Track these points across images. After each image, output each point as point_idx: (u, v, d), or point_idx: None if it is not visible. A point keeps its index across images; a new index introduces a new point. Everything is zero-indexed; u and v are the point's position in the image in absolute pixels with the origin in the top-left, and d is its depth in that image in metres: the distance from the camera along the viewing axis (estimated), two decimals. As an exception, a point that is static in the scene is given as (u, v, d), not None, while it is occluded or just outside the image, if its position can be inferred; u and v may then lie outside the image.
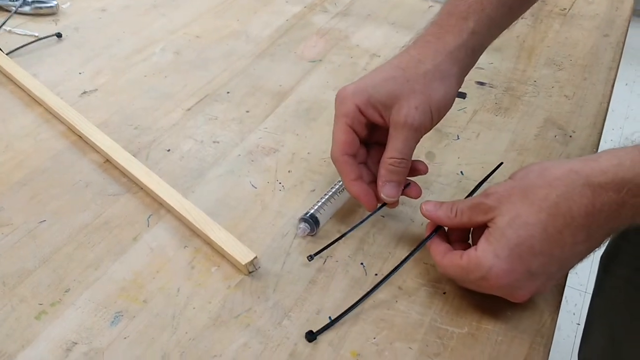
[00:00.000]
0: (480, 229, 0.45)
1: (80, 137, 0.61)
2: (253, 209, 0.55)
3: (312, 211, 0.52)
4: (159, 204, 0.55)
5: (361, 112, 0.50)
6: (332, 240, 0.50)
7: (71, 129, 0.62)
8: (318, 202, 0.53)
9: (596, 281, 0.75)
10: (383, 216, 0.55)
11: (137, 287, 0.47)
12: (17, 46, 0.74)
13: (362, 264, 0.50)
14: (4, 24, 0.77)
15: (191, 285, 0.48)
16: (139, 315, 0.45)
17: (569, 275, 0.49)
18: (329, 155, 0.61)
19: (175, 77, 0.72)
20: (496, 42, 0.80)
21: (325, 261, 0.50)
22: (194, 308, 0.46)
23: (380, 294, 0.48)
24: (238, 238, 0.50)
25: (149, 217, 0.53)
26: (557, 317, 0.47)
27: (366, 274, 0.49)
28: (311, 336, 0.44)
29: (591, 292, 0.75)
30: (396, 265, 0.47)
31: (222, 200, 0.55)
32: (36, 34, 0.77)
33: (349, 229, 0.50)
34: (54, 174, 0.57)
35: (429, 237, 0.48)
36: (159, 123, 0.64)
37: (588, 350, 0.76)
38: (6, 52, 0.72)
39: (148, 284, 0.48)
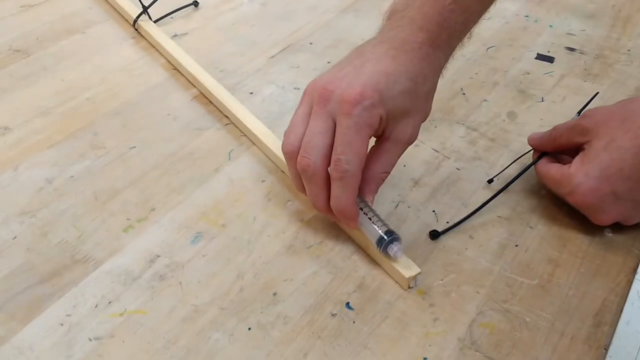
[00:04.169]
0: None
1: (177, 70, 0.65)
2: (329, 152, 0.56)
3: (386, 229, 0.45)
4: (239, 142, 0.57)
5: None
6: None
7: (169, 62, 0.66)
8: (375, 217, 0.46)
9: None
10: (458, 169, 0.54)
11: (217, 213, 0.50)
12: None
13: (433, 211, 0.50)
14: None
15: (267, 215, 0.50)
16: (217, 237, 0.48)
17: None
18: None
19: (261, 26, 0.74)
20: (590, 10, 0.78)
21: (397, 205, 0.51)
22: (268, 236, 0.48)
23: (450, 241, 0.48)
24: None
25: (231, 152, 0.56)
26: (634, 278, 0.45)
27: (437, 221, 0.50)
28: (435, 234, 0.48)
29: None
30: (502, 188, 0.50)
31: (300, 142, 0.57)
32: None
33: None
34: (145, 107, 0.61)
35: (533, 162, 0.51)
36: (244, 68, 0.67)
37: None
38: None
39: (227, 211, 0.50)
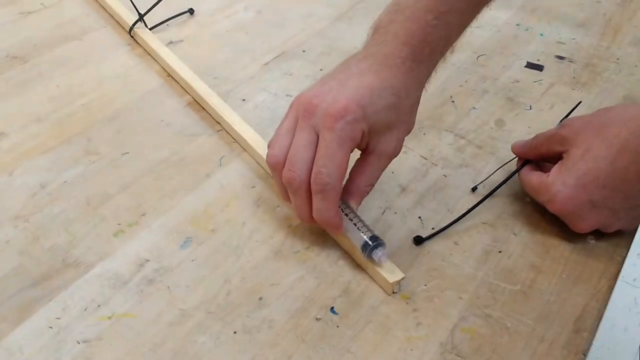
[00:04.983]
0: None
1: (172, 76, 0.66)
2: (319, 159, 0.57)
3: (370, 234, 0.46)
4: (230, 148, 0.58)
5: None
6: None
7: (164, 69, 0.67)
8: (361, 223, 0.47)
9: None
10: (445, 176, 0.55)
11: (207, 218, 0.51)
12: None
13: (419, 217, 0.51)
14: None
15: (256, 220, 0.51)
16: (206, 242, 0.49)
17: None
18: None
19: (255, 34, 0.75)
20: (580, 18, 0.79)
21: (384, 212, 0.52)
22: (256, 241, 0.49)
23: (435, 246, 0.49)
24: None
25: (222, 158, 0.57)
26: (615, 285, 0.46)
27: (423, 227, 0.50)
28: (419, 240, 0.48)
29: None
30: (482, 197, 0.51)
31: (290, 149, 0.58)
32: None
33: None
34: (139, 113, 0.62)
35: (517, 170, 0.52)
36: (237, 75, 0.68)
37: None
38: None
39: (217, 216, 0.51)
